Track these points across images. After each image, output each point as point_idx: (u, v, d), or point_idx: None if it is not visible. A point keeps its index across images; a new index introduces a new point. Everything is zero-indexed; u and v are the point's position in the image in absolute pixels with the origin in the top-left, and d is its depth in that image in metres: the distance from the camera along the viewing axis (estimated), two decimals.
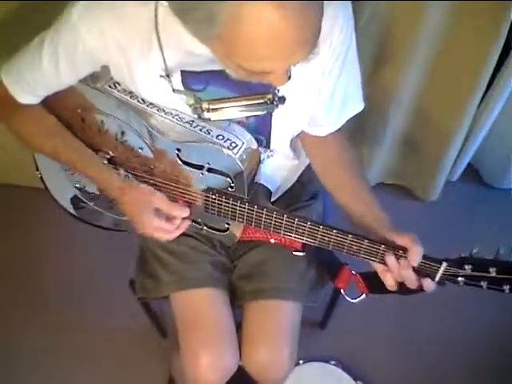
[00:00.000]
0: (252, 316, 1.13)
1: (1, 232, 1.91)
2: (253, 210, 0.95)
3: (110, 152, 1.02)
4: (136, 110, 0.94)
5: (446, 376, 1.64)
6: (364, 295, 1.05)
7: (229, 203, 0.95)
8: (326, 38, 0.85)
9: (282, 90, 0.91)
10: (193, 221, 1.02)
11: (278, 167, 1.12)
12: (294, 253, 1.07)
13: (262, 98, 0.90)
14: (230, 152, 0.90)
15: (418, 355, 1.67)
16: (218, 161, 0.92)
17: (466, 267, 0.85)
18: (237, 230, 1.05)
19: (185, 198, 1.00)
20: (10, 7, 1.36)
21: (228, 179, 0.94)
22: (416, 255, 0.86)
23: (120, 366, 1.61)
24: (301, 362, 1.55)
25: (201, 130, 0.92)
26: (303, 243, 0.97)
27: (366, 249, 0.90)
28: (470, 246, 0.86)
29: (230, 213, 0.97)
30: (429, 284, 0.89)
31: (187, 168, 0.95)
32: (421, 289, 0.90)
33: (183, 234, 1.11)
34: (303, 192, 1.22)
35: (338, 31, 0.86)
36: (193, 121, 0.94)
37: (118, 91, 0.96)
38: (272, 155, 1.08)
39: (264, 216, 0.95)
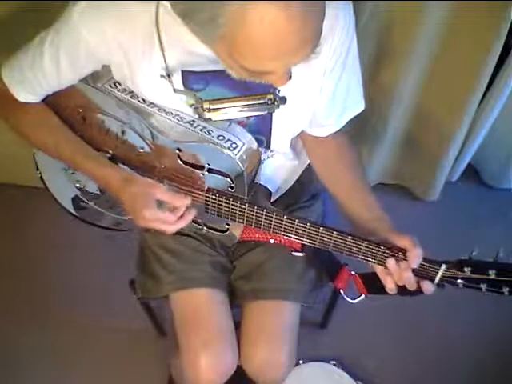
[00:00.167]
0: (251, 316, 1.13)
1: (1, 232, 1.91)
2: (253, 211, 0.94)
3: (111, 151, 1.02)
4: (137, 110, 0.94)
5: (446, 375, 1.64)
6: (363, 296, 1.05)
7: (229, 204, 0.95)
8: (327, 37, 0.85)
9: (283, 90, 0.91)
10: (193, 221, 1.01)
11: (278, 167, 1.12)
12: (293, 253, 1.08)
13: (262, 98, 0.90)
14: (230, 152, 0.90)
15: (419, 355, 1.67)
16: (218, 161, 0.92)
17: (466, 269, 0.85)
18: (237, 231, 1.05)
19: None
20: (10, 7, 1.36)
21: (228, 180, 0.94)
22: (416, 257, 0.86)
23: (120, 365, 1.61)
24: (301, 362, 1.55)
25: (201, 130, 0.92)
26: (302, 243, 0.97)
27: (366, 250, 0.91)
28: (470, 246, 0.86)
29: (230, 213, 0.97)
30: (428, 286, 0.89)
31: (187, 168, 0.95)
32: (420, 291, 0.90)
33: (183, 234, 1.11)
34: (303, 192, 1.22)
35: (339, 31, 0.87)
36: (193, 121, 0.94)
37: (119, 91, 0.96)
38: (272, 155, 1.08)
39: (264, 217, 0.95)
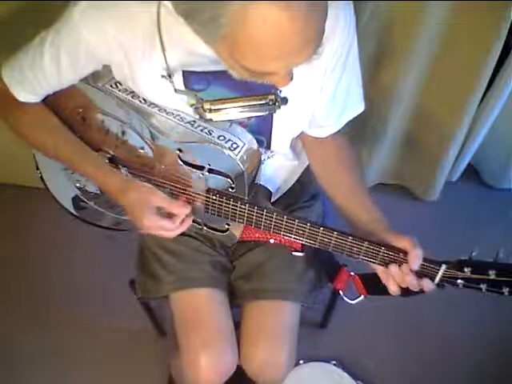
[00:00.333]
0: (251, 316, 1.13)
1: (1, 232, 1.91)
2: (253, 211, 0.94)
3: (111, 151, 1.02)
4: (137, 110, 0.94)
5: (446, 375, 1.64)
6: (362, 296, 1.05)
7: (229, 204, 0.95)
8: (328, 38, 0.85)
9: (284, 91, 0.91)
10: (193, 221, 1.01)
11: (278, 168, 1.12)
12: (293, 253, 1.07)
13: (264, 98, 0.90)
14: (230, 153, 0.90)
15: (419, 355, 1.67)
16: (218, 161, 0.92)
17: (466, 270, 0.85)
18: (237, 231, 1.05)
19: (185, 198, 1.00)
20: (10, 7, 1.36)
21: (228, 180, 0.94)
22: (416, 258, 0.86)
23: (120, 365, 1.61)
24: (301, 362, 1.55)
25: (202, 131, 0.92)
26: (302, 244, 0.97)
27: (366, 251, 0.91)
28: (470, 246, 0.86)
29: (230, 213, 0.97)
30: (428, 284, 0.89)
31: (188, 168, 0.95)
32: (422, 291, 0.90)
33: (183, 234, 1.11)
34: (303, 192, 1.22)
35: (339, 32, 0.87)
36: (194, 121, 0.94)
37: (119, 91, 0.96)
38: (272, 156, 1.08)
39: (264, 217, 0.95)
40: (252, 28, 0.62)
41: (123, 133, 0.98)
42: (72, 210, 1.20)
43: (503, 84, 1.63)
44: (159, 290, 1.14)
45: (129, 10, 0.82)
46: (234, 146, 0.91)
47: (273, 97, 0.90)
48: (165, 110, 0.95)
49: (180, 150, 0.93)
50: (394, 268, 0.89)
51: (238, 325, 1.14)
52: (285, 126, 0.99)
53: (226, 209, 0.97)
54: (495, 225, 1.95)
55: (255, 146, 0.95)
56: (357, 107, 1.02)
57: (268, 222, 0.95)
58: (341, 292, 1.10)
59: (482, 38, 1.45)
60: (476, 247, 0.85)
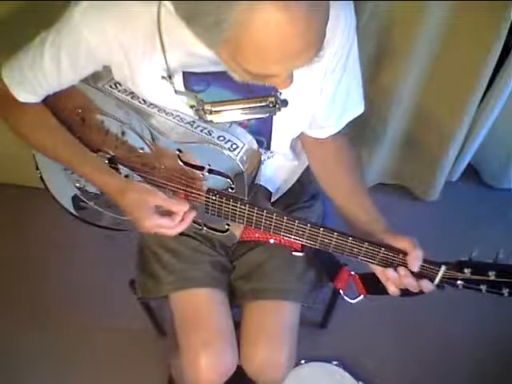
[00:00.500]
0: (251, 316, 1.13)
1: (1, 232, 1.91)
2: (253, 212, 0.94)
3: (111, 152, 1.02)
4: (137, 111, 0.94)
5: (446, 375, 1.64)
6: (362, 296, 1.05)
7: (229, 204, 0.95)
8: (328, 39, 0.83)
9: (284, 93, 0.91)
10: (193, 221, 1.01)
11: (278, 168, 1.12)
12: (293, 253, 1.07)
13: (264, 100, 0.90)
14: (230, 153, 0.90)
15: (419, 355, 1.67)
16: (218, 162, 0.92)
17: (466, 271, 0.85)
18: (237, 231, 1.05)
19: (184, 197, 1.00)
20: (10, 7, 1.36)
21: (228, 180, 0.94)
22: (416, 260, 0.86)
23: (120, 365, 1.62)
24: (302, 362, 1.55)
25: (202, 131, 0.92)
26: (302, 244, 0.97)
27: (366, 251, 0.90)
28: (470, 246, 0.86)
29: (230, 214, 0.97)
30: (427, 285, 0.89)
31: (188, 169, 0.95)
32: (420, 291, 0.90)
33: (183, 234, 1.11)
34: (303, 193, 1.22)
35: (340, 33, 0.87)
36: (194, 122, 0.94)
37: (119, 91, 0.96)
38: (272, 156, 1.08)
39: (264, 217, 0.95)
40: (255, 32, 0.63)
41: (123, 133, 0.98)
42: (72, 210, 1.20)
43: (503, 84, 1.63)
44: (159, 289, 1.14)
45: (130, 10, 0.82)
46: (234, 146, 0.91)
47: (273, 99, 0.90)
48: (164, 111, 0.95)
49: (180, 151, 0.93)
50: (391, 272, 0.89)
51: (238, 325, 1.14)
52: (285, 126, 0.99)
53: (226, 209, 0.97)
54: (495, 225, 1.95)
55: (255, 146, 0.95)
56: (357, 108, 1.02)
57: (268, 222, 0.95)
58: (341, 291, 1.10)
59: (482, 38, 1.45)
60: (476, 248, 0.85)
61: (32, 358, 1.63)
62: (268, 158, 1.07)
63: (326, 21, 0.67)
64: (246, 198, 0.95)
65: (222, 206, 0.97)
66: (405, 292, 0.91)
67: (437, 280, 0.88)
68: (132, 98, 0.95)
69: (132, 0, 0.81)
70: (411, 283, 0.88)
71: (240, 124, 0.96)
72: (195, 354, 1.06)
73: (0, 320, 1.68)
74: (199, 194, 0.98)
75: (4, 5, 1.36)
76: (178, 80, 0.90)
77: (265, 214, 0.94)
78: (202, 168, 0.94)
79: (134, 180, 1.03)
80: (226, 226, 1.04)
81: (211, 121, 0.93)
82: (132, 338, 1.65)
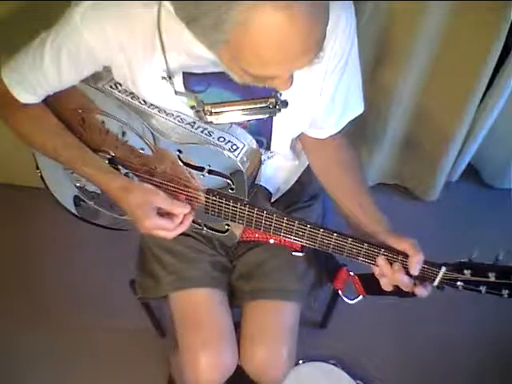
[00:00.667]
0: (251, 316, 1.13)
1: (1, 232, 1.91)
2: (253, 212, 0.94)
3: (111, 152, 1.02)
4: (137, 111, 0.94)
5: (446, 375, 1.64)
6: (361, 296, 1.05)
7: (229, 205, 0.95)
8: (329, 39, 0.84)
9: (284, 94, 0.91)
10: (193, 221, 1.02)
11: (278, 168, 1.12)
12: (293, 253, 1.07)
13: (264, 101, 0.90)
14: (230, 154, 0.89)
15: (418, 355, 1.67)
16: (218, 163, 0.92)
17: (466, 272, 0.85)
18: (237, 231, 1.05)
19: (185, 197, 1.00)
20: (10, 7, 1.36)
21: (228, 181, 0.94)
22: (416, 263, 0.86)
23: (120, 366, 1.62)
24: (300, 361, 1.55)
25: (202, 132, 0.92)
26: (302, 244, 0.97)
27: (366, 252, 0.90)
28: (470, 246, 0.86)
29: (230, 214, 0.97)
30: (421, 291, 0.89)
31: (188, 169, 0.95)
32: (412, 293, 0.90)
33: (183, 234, 1.11)
34: (303, 193, 1.22)
35: (340, 33, 0.86)
36: (194, 122, 0.94)
37: (119, 92, 0.96)
38: (272, 156, 1.08)
39: (264, 218, 0.95)
40: (255, 33, 0.63)
41: (123, 133, 0.98)
42: (72, 210, 1.20)
43: (503, 84, 1.63)
44: (159, 289, 1.14)
45: (130, 11, 0.82)
46: (234, 147, 0.91)
47: (273, 100, 0.90)
48: (164, 111, 0.95)
49: (180, 151, 0.93)
50: (382, 263, 0.89)
51: (238, 325, 1.14)
52: (285, 127, 0.99)
53: (226, 210, 0.97)
54: (495, 225, 1.95)
55: (255, 146, 0.95)
56: (357, 108, 1.02)
57: (268, 223, 0.95)
58: (340, 292, 1.10)
59: (482, 38, 1.44)
60: (476, 249, 0.85)
61: (32, 358, 1.63)
62: (268, 158, 1.07)
63: (327, 21, 0.67)
64: (246, 199, 0.95)
65: (221, 206, 0.97)
66: (400, 291, 0.90)
67: (437, 281, 0.88)
68: (132, 98, 0.95)
69: (132, 0, 0.81)
70: (402, 280, 0.88)
71: (240, 124, 0.96)
72: (195, 354, 1.06)
73: (0, 320, 1.68)
74: (199, 195, 0.98)
75: (4, 5, 1.35)
76: (178, 80, 0.90)
77: (265, 215, 0.94)
78: (202, 169, 0.94)
79: (135, 180, 1.03)
80: (226, 227, 1.04)
81: (211, 122, 0.93)
82: (132, 338, 1.65)
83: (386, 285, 0.91)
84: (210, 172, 0.93)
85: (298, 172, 1.19)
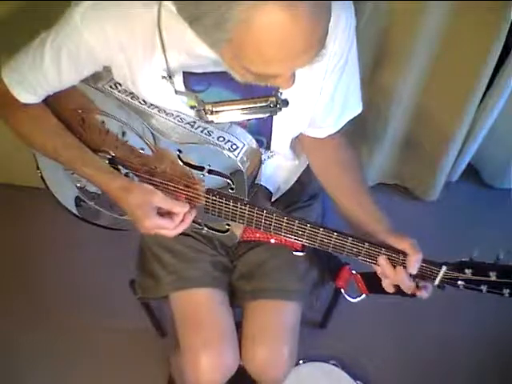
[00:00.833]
0: (252, 316, 1.13)
1: (1, 232, 1.91)
2: (253, 212, 0.94)
3: (111, 152, 1.02)
4: (137, 111, 0.94)
5: (446, 376, 1.64)
6: (364, 295, 1.05)
7: (229, 205, 0.95)
8: (329, 38, 0.84)
9: (284, 93, 0.91)
10: (193, 221, 1.02)
11: (278, 168, 1.12)
12: (293, 253, 1.07)
13: (265, 101, 0.90)
14: (230, 154, 0.89)
15: (418, 355, 1.67)
16: (218, 162, 0.92)
17: (466, 271, 0.85)
18: (237, 231, 1.05)
19: (185, 197, 1.00)
20: (10, 7, 1.36)
21: (228, 181, 0.94)
22: (415, 263, 0.86)
23: (120, 366, 1.62)
24: (301, 362, 1.55)
25: (202, 132, 0.92)
26: (303, 244, 0.97)
27: (367, 252, 0.91)
28: (470, 246, 0.87)
29: (230, 214, 0.97)
30: (422, 293, 0.89)
31: (188, 169, 0.95)
32: (413, 294, 0.91)
33: (183, 234, 1.11)
34: (303, 192, 1.22)
35: (340, 33, 0.87)
36: (194, 122, 0.94)
37: (119, 92, 0.96)
38: (272, 156, 1.08)
39: (264, 218, 0.95)
40: (258, 32, 0.63)
41: (123, 133, 0.98)
42: (73, 210, 1.20)
43: (503, 84, 1.63)
44: (159, 290, 1.14)
45: (130, 11, 0.82)
46: (234, 146, 0.91)
47: (274, 99, 0.90)
48: (164, 111, 0.95)
49: (180, 151, 0.93)
50: (383, 263, 0.89)
51: (239, 325, 1.14)
52: (285, 126, 0.99)
53: (226, 209, 0.97)
54: (495, 225, 1.95)
55: (255, 146, 0.95)
56: (355, 108, 1.02)
57: (268, 222, 0.95)
58: (342, 290, 1.10)
59: (482, 38, 1.44)
60: (476, 248, 0.85)
61: (32, 358, 1.63)
62: (268, 157, 1.07)
63: (329, 18, 0.67)
64: (246, 199, 0.95)
65: (222, 206, 0.97)
66: (402, 290, 0.91)
67: (437, 280, 0.88)
68: (132, 98, 0.95)
69: (132, 0, 0.81)
70: (403, 281, 0.88)
71: (240, 124, 0.96)
72: (196, 355, 1.06)
73: (0, 320, 1.68)
74: (199, 195, 0.98)
75: (4, 5, 1.35)
76: (179, 80, 0.89)
77: (265, 215, 0.94)
78: (202, 168, 0.94)
79: (135, 180, 1.03)
80: (227, 226, 1.04)
81: (212, 121, 0.93)
82: (132, 338, 1.65)
83: (387, 286, 0.91)
84: (210, 172, 0.93)
85: (298, 172, 1.19)
